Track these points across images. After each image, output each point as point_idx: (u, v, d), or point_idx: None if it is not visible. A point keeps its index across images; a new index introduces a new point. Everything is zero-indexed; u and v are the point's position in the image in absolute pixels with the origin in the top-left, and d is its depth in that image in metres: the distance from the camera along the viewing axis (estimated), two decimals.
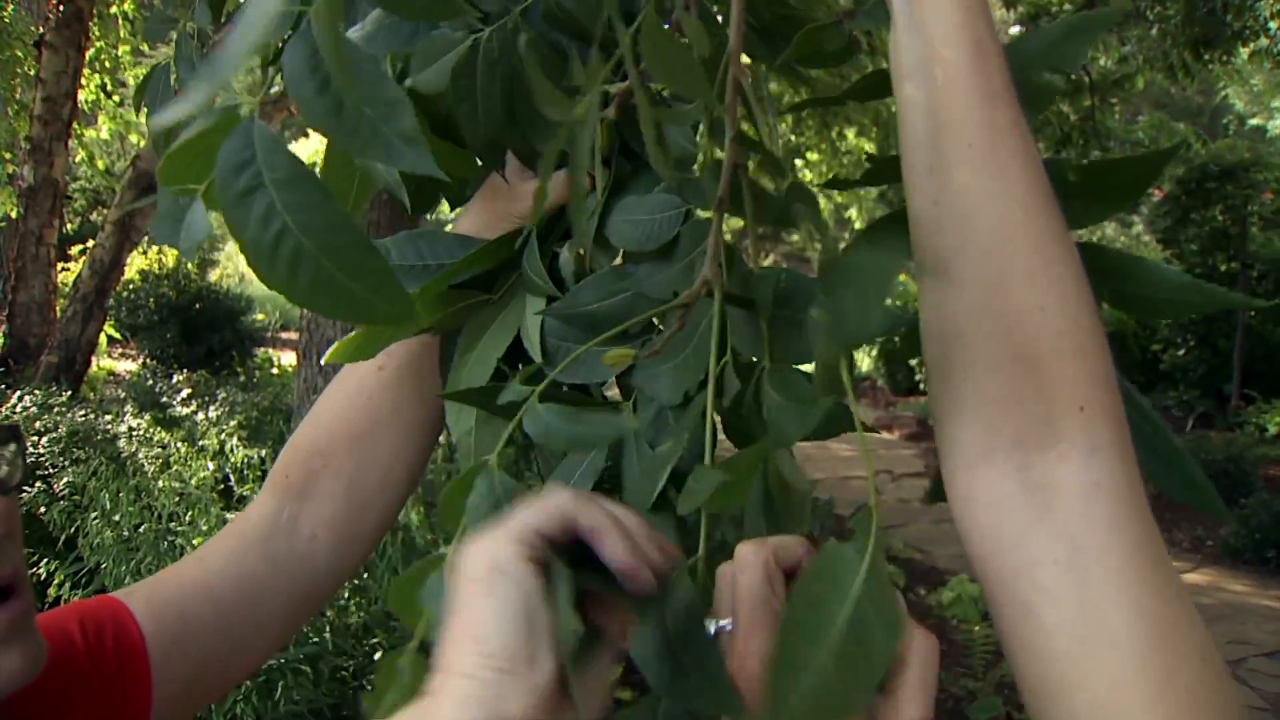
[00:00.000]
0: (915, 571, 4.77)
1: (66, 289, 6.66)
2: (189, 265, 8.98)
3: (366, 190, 0.68)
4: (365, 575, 2.72)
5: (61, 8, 5.89)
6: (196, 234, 0.48)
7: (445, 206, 0.79)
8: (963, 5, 0.46)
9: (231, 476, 3.62)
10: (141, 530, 2.81)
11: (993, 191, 0.44)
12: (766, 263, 0.64)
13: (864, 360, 10.72)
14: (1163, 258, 8.11)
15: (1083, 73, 5.93)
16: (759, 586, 0.45)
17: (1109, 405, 0.43)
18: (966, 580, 3.98)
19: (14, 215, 6.32)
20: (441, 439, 0.82)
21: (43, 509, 3.01)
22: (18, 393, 4.79)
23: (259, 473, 3.64)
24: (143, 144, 6.69)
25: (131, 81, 6.77)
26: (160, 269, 8.84)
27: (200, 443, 4.01)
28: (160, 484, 3.19)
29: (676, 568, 0.47)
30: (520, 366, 0.73)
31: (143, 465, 3.56)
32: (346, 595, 2.71)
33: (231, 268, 13.30)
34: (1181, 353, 7.69)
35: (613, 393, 0.70)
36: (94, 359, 6.67)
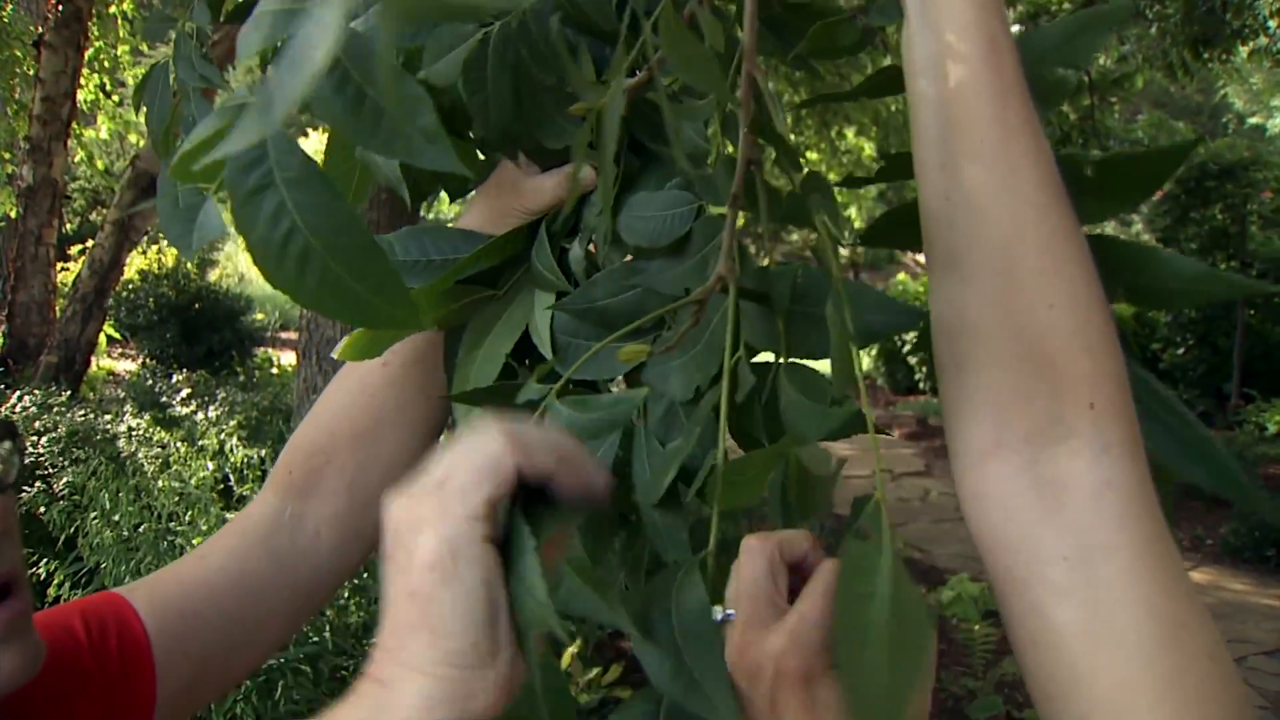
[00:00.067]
0: (915, 571, 4.76)
1: (66, 289, 6.65)
2: (188, 265, 8.97)
3: (366, 186, 0.67)
4: (365, 575, 2.72)
5: (60, 7, 5.88)
6: (209, 233, 0.48)
7: (445, 205, 0.79)
8: (976, 2, 0.46)
9: (231, 476, 3.61)
10: (141, 530, 2.81)
11: (1004, 188, 0.44)
12: (765, 262, 0.63)
13: (864, 359, 10.72)
14: None
15: (1082, 72, 5.93)
16: (762, 579, 0.45)
17: (1120, 403, 0.43)
18: (966, 579, 3.98)
19: (13, 215, 6.32)
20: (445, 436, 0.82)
21: (42, 509, 3.00)
22: (17, 393, 4.79)
23: (259, 473, 3.63)
24: (142, 144, 6.69)
25: (130, 81, 6.77)
26: (160, 269, 8.83)
27: (200, 442, 4.00)
28: (160, 484, 3.18)
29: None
30: (525, 362, 0.72)
31: (142, 465, 3.55)
32: (346, 595, 2.71)
33: (231, 267, 13.28)
34: (1181, 352, 7.68)
35: (618, 390, 0.69)
36: (93, 359, 6.67)
